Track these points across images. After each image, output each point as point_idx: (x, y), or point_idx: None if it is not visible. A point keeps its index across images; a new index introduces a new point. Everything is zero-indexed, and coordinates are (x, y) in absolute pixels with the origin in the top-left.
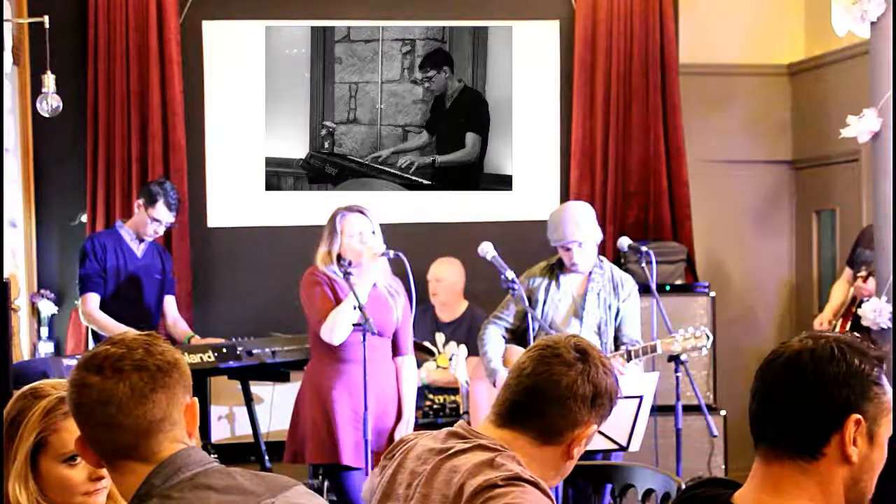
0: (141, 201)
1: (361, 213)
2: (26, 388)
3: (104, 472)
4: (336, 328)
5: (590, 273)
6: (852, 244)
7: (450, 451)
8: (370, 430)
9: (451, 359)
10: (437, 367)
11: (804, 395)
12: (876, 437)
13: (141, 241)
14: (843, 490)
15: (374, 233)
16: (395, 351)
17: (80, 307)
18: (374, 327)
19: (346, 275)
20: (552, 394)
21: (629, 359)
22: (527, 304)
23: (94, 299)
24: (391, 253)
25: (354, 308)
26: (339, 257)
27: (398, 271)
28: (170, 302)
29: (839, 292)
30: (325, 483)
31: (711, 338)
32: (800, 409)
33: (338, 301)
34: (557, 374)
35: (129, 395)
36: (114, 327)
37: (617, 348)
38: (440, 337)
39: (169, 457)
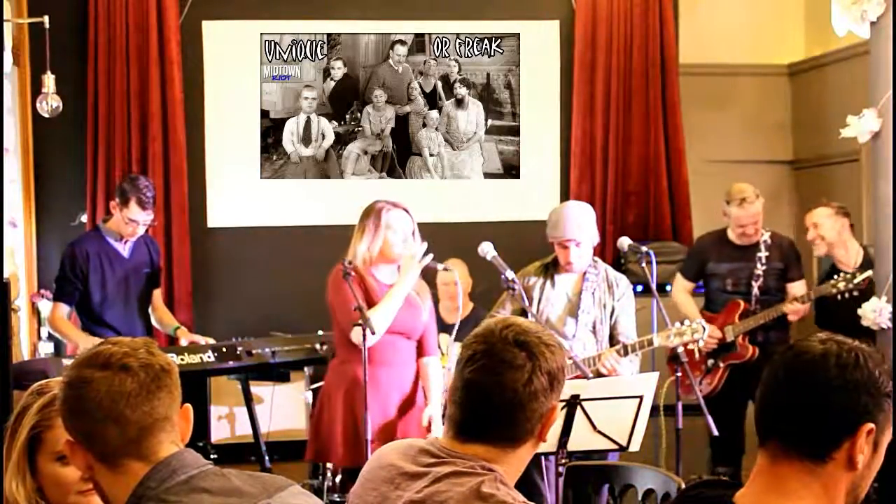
0: (115, 202)
1: (406, 212)
2: (36, 384)
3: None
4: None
5: (584, 273)
6: (688, 252)
7: (426, 477)
8: (370, 431)
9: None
10: (442, 367)
11: (824, 397)
12: (879, 446)
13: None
14: (844, 494)
15: (413, 234)
16: (421, 352)
17: (49, 312)
18: (373, 327)
19: (346, 275)
20: (513, 402)
21: (625, 353)
22: (526, 303)
23: (62, 309)
24: (440, 265)
25: (354, 308)
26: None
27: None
28: (156, 295)
29: (690, 302)
30: (326, 483)
31: (707, 329)
32: (817, 410)
33: (370, 301)
34: (511, 381)
35: (138, 390)
36: (75, 336)
37: (613, 346)
38: (445, 338)
39: (164, 458)
